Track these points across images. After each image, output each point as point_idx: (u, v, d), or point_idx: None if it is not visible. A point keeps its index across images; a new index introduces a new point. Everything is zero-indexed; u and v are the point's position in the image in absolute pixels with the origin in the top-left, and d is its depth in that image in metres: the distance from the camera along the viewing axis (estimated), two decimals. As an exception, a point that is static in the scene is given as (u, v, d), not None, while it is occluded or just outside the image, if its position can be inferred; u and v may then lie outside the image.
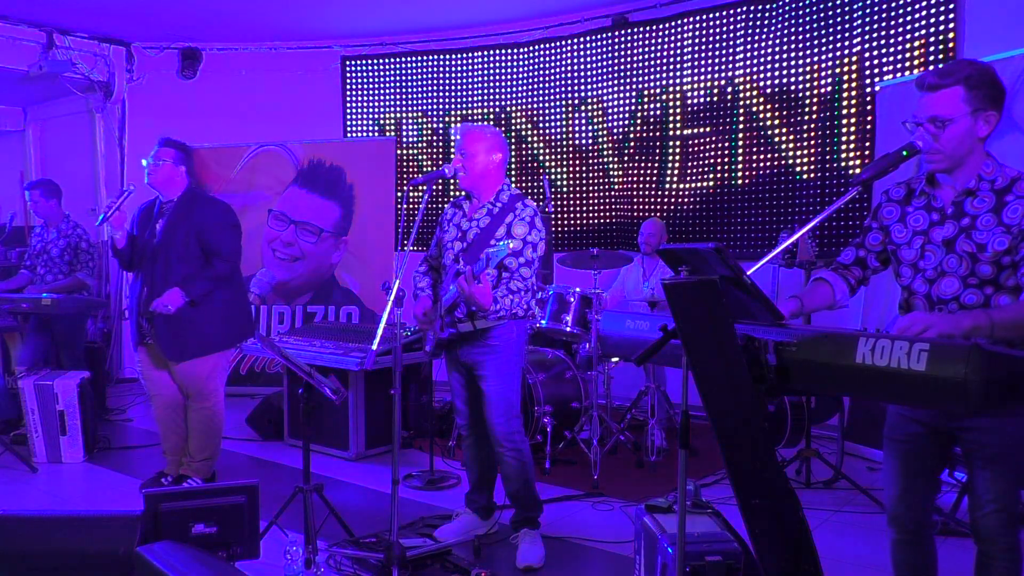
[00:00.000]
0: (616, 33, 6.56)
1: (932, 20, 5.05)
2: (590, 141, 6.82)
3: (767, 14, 5.80)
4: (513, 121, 7.15)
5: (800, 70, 5.68)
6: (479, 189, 3.37)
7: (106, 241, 7.64)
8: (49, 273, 5.54)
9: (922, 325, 1.87)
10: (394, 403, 3.03)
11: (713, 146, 6.14)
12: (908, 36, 5.17)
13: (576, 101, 6.85)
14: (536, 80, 7.02)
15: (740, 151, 6.01)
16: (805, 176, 5.70)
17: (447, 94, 7.40)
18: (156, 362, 4.17)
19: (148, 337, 4.12)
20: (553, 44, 6.90)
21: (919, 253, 2.17)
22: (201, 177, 7.13)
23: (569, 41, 6.82)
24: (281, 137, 7.16)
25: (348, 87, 7.68)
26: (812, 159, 5.66)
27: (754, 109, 5.92)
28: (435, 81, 7.42)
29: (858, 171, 4.50)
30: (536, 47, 6.98)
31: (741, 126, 5.99)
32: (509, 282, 3.24)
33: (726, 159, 6.08)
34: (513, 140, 7.10)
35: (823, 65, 5.57)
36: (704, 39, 6.13)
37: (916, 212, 2.20)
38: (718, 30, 6.05)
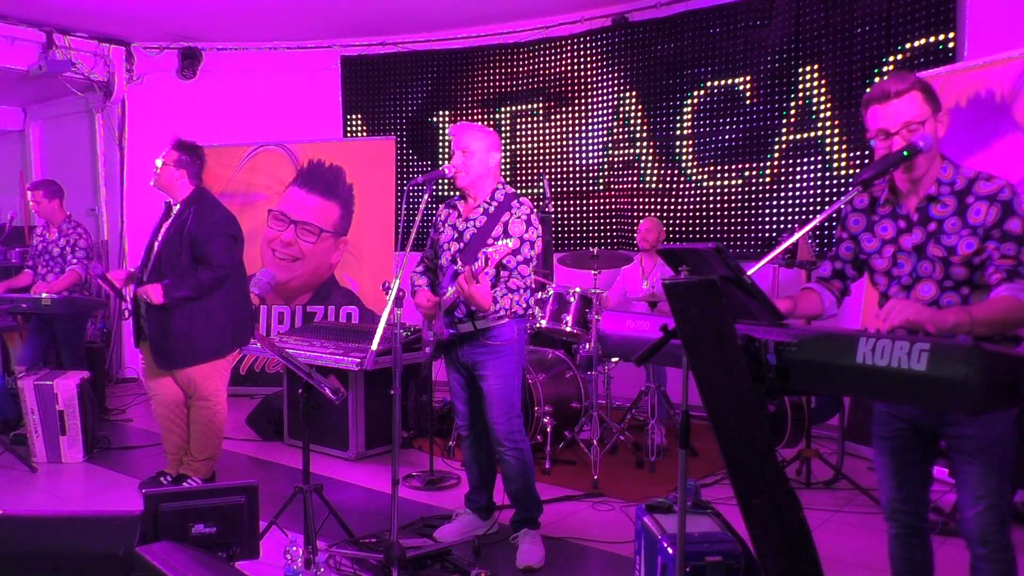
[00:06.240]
0: (616, 33, 6.55)
1: (932, 20, 5.05)
2: (591, 141, 6.81)
3: (767, 15, 5.79)
4: (513, 121, 7.14)
5: (800, 70, 5.68)
6: (476, 188, 3.37)
7: (106, 241, 7.69)
8: (50, 273, 5.56)
9: (900, 310, 1.84)
10: (394, 403, 3.03)
11: (714, 146, 6.14)
12: (908, 36, 5.17)
13: (576, 101, 6.84)
14: (536, 80, 7.01)
15: (740, 151, 6.01)
16: (807, 176, 5.70)
17: (447, 94, 7.39)
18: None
19: (145, 336, 4.12)
20: (553, 44, 6.89)
21: (891, 261, 2.19)
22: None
23: (569, 41, 6.81)
24: (281, 137, 7.16)
25: (348, 87, 7.67)
26: (813, 159, 5.66)
27: (754, 109, 5.92)
28: (435, 81, 7.41)
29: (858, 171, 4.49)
30: (536, 47, 6.98)
31: (742, 126, 5.99)
32: (508, 280, 3.26)
33: (727, 159, 6.07)
34: (514, 140, 7.09)
35: (823, 65, 5.56)
36: (704, 39, 6.12)
37: (882, 221, 2.23)
38: (718, 30, 6.05)
